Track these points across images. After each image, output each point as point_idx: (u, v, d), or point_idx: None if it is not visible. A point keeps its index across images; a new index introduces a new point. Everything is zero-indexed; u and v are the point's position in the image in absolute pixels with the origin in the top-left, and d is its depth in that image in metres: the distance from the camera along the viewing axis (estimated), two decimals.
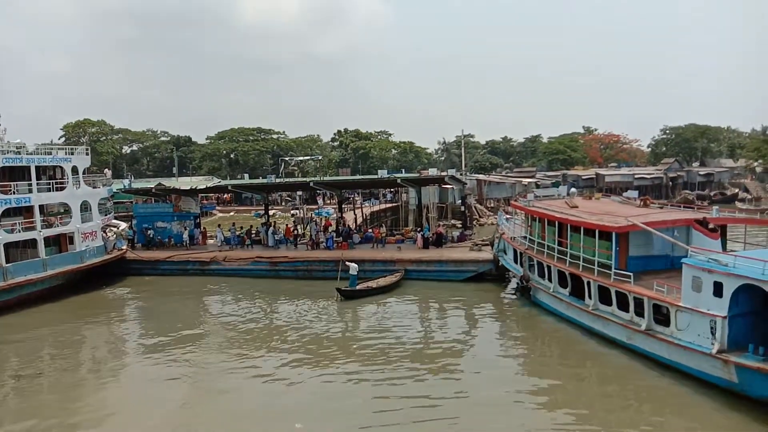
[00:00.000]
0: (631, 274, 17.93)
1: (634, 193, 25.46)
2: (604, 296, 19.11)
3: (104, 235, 33.32)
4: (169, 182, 62.95)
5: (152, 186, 44.82)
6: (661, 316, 16.53)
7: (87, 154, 32.61)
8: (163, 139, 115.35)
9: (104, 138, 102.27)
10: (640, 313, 17.24)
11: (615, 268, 18.62)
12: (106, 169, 50.64)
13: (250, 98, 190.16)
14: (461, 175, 66.59)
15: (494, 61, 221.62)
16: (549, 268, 22.75)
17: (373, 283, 28.02)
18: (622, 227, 18.64)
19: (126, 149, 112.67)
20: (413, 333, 21.63)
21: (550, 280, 22.73)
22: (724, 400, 14.38)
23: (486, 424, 13.92)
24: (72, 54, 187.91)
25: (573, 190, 27.70)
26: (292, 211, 54.73)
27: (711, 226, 17.99)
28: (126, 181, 56.99)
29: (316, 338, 21.10)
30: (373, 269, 30.55)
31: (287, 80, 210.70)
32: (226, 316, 24.87)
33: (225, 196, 69.04)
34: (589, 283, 19.74)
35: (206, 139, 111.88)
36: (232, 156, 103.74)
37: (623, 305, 18.05)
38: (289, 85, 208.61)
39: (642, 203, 23.71)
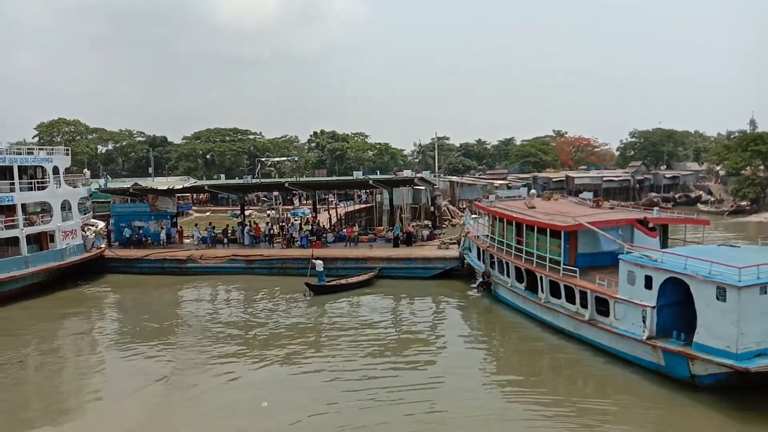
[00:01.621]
0: (577, 269, 19.61)
1: (589, 195, 27.30)
2: (555, 290, 20.76)
3: (83, 233, 34.12)
4: (145, 182, 63.46)
5: (129, 186, 45.55)
6: (603, 307, 18.19)
7: (67, 154, 33.45)
8: (138, 138, 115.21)
9: (79, 137, 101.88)
10: (584, 305, 18.91)
11: (564, 264, 20.29)
12: (86, 169, 51.14)
13: (226, 98, 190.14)
14: (435, 176, 68.43)
15: (470, 62, 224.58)
16: (507, 264, 24.38)
17: (343, 280, 29.40)
18: (570, 226, 20.32)
19: (101, 149, 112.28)
20: (381, 325, 23.04)
21: (508, 275, 24.36)
22: (655, 381, 16.07)
23: (456, 407, 15.16)
24: (42, 51, 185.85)
25: (533, 191, 29.41)
26: (268, 212, 55.79)
27: (651, 225, 19.76)
28: (102, 181, 57.61)
29: (288, 331, 22.32)
30: (346, 267, 31.96)
31: (264, 80, 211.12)
32: (202, 313, 26.00)
33: (201, 196, 69.80)
34: (541, 278, 21.39)
35: (182, 139, 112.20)
36: (208, 156, 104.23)
37: (571, 298, 19.71)
38: (266, 85, 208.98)
39: (595, 204, 25.49)
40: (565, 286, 20.00)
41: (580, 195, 28.48)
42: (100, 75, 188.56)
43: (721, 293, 14.02)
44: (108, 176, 74.64)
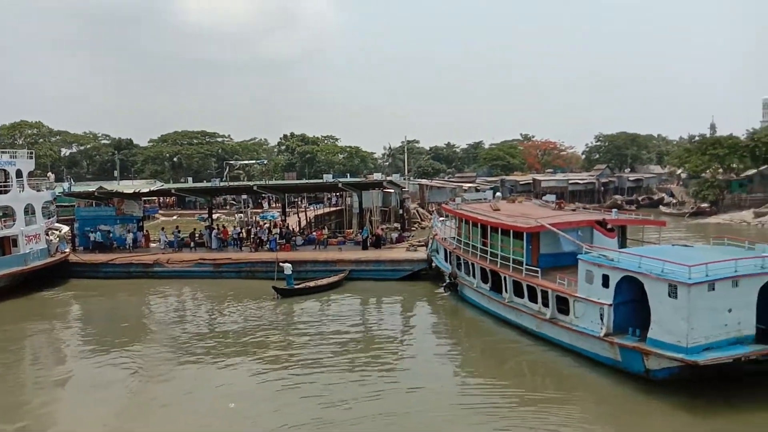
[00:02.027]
0: (539, 269, 20.16)
1: (552, 197, 27.92)
2: (518, 290, 21.27)
3: (47, 238, 33.54)
4: (111, 185, 62.41)
5: (93, 189, 44.86)
6: (564, 306, 18.75)
7: (30, 157, 32.87)
8: (103, 141, 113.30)
9: (42, 140, 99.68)
10: (546, 304, 19.45)
11: (526, 264, 20.82)
12: (50, 173, 50.14)
13: (195, 101, 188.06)
14: (404, 180, 68.91)
15: (440, 66, 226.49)
16: (473, 265, 24.85)
17: (311, 283, 29.53)
18: (532, 228, 20.88)
19: (65, 152, 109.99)
20: (349, 326, 23.25)
21: (474, 276, 24.83)
22: (612, 377, 16.65)
23: (420, 403, 15.50)
24: (1, 51, 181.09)
25: (498, 194, 30.03)
26: (237, 215, 55.50)
27: (609, 226, 20.43)
28: (66, 185, 56.46)
29: (255, 335, 22.31)
30: (315, 269, 32.09)
31: (234, 83, 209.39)
32: (169, 317, 25.84)
33: (168, 199, 69.02)
34: (505, 278, 21.89)
35: (149, 142, 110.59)
36: (175, 159, 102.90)
37: (533, 297, 20.24)
38: (236, 88, 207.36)
39: (557, 206, 26.17)
40: (527, 285, 20.52)
41: (544, 198, 29.14)
42: (64, 77, 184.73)
43: (673, 290, 14.65)
44: (71, 180, 73.19)
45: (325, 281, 30.04)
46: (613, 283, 16.51)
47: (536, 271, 20.18)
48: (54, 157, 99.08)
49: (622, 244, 21.75)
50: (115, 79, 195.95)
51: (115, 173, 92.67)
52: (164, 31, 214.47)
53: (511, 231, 22.02)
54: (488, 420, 14.50)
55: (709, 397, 14.91)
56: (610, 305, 16.56)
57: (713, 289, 14.45)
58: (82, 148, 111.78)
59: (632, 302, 16.28)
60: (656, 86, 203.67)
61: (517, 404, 15.38)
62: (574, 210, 25.86)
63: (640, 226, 23.85)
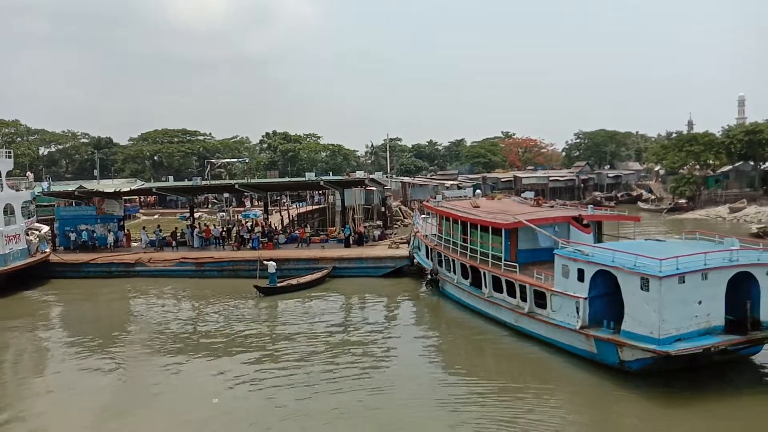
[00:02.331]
0: (517, 264, 20.56)
1: (530, 194, 28.43)
2: (497, 285, 21.67)
3: (27, 237, 33.26)
4: (91, 185, 61.76)
5: (73, 189, 44.47)
6: (541, 300, 19.16)
7: (9, 157, 32.56)
8: (83, 140, 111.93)
9: (19, 139, 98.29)
10: (524, 298, 19.85)
11: (505, 260, 21.22)
12: (29, 172, 49.61)
13: (175, 99, 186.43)
14: (387, 177, 69.17)
15: (421, 63, 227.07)
16: (454, 261, 25.22)
17: (293, 281, 29.68)
18: (510, 224, 21.29)
19: (43, 151, 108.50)
20: (332, 322, 23.50)
21: (454, 272, 25.19)
22: (588, 369, 17.08)
23: (401, 394, 15.91)
24: None
25: (478, 191, 30.44)
26: (219, 214, 55.35)
27: (585, 222, 20.91)
28: (45, 184, 55.85)
29: (238, 334, 22.33)
30: (297, 267, 32.23)
31: (215, 81, 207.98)
32: (151, 316, 25.87)
33: (149, 198, 68.60)
34: (484, 273, 22.28)
35: (128, 140, 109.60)
36: (156, 158, 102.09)
37: (511, 292, 20.65)
38: (217, 86, 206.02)
39: (535, 203, 26.64)
40: (506, 280, 20.92)
41: (523, 194, 29.67)
42: (41, 75, 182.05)
43: (645, 283, 15.11)
44: (50, 179, 72.30)
45: (307, 278, 30.19)
46: (588, 277, 16.95)
47: (514, 267, 20.59)
48: (32, 157, 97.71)
49: (598, 240, 22.24)
50: (94, 77, 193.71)
51: (95, 172, 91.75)
52: (143, 30, 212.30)
53: (490, 227, 22.41)
54: (468, 409, 14.83)
55: (680, 386, 15.42)
56: (586, 299, 17.00)
57: (683, 281, 14.92)
58: (60, 147, 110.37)
59: (607, 295, 16.73)
60: (636, 84, 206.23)
61: (496, 394, 15.75)
62: (552, 206, 26.32)
63: (617, 222, 24.36)
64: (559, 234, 21.11)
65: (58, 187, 57.42)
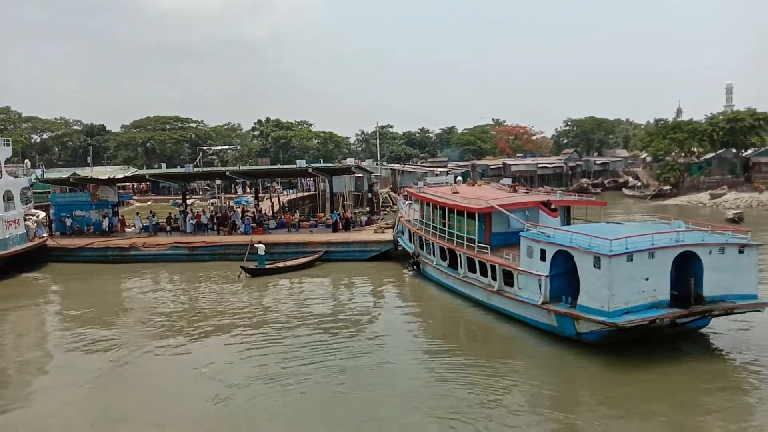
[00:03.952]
0: (488, 246, 22.03)
1: (507, 181, 29.91)
2: (471, 266, 23.13)
3: (26, 223, 34.44)
4: (83, 172, 62.78)
5: (68, 176, 45.55)
6: (509, 279, 20.63)
7: (7, 144, 33.63)
8: (75, 128, 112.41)
9: (12, 126, 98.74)
10: (494, 277, 21.33)
11: (478, 242, 22.67)
12: (27, 160, 50.63)
13: (168, 86, 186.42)
14: (377, 165, 70.37)
15: (417, 52, 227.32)
16: (433, 245, 26.66)
17: (281, 264, 31.07)
18: (484, 209, 22.74)
19: (36, 138, 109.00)
20: (319, 302, 25.03)
21: (434, 254, 26.65)
22: (550, 340, 18.64)
23: (382, 369, 17.30)
24: None
25: (459, 178, 31.82)
26: (211, 200, 56.53)
27: (552, 207, 22.35)
28: (38, 171, 56.87)
29: (227, 314, 23.51)
30: (287, 251, 33.63)
31: (208, 68, 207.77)
32: (145, 297, 27.22)
33: (142, 185, 69.48)
34: (460, 255, 23.74)
35: (121, 128, 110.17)
36: (148, 145, 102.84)
37: (484, 272, 22.12)
38: (210, 73, 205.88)
39: (511, 189, 28.07)
40: (479, 261, 22.39)
41: (501, 181, 31.06)
42: (33, 62, 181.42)
43: (597, 262, 16.58)
44: (44, 166, 73.19)
45: (296, 262, 31.57)
46: (549, 256, 18.42)
47: (486, 248, 22.06)
48: (24, 144, 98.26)
49: (567, 223, 23.70)
50: (86, 64, 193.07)
51: (89, 159, 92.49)
52: (136, 16, 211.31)
53: (465, 212, 23.83)
54: (443, 378, 16.33)
55: (632, 356, 16.94)
56: (547, 276, 18.49)
57: (632, 260, 16.40)
58: (53, 134, 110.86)
59: (566, 273, 18.19)
60: (627, 71, 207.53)
61: (468, 365, 17.21)
62: (526, 192, 27.76)
63: (599, 208, 25.84)
64: (530, 218, 22.51)
65: (52, 174, 58.56)
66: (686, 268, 17.30)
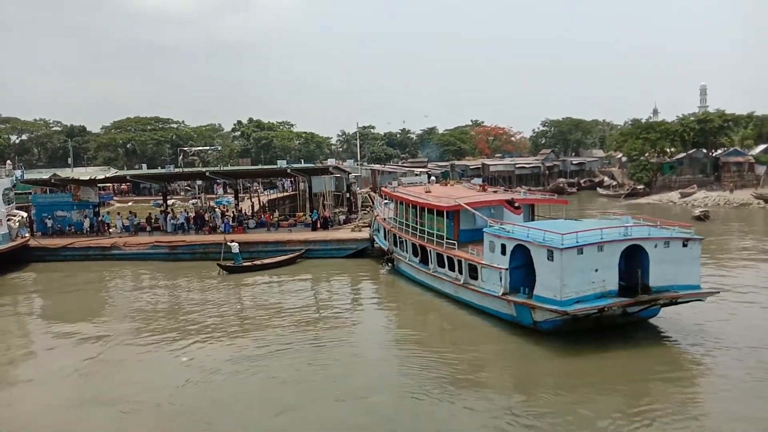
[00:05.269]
0: (456, 242, 23.27)
1: (477, 180, 31.14)
2: (441, 261, 24.34)
3: (8, 223, 34.98)
4: (64, 173, 63.10)
5: (48, 177, 46.05)
6: (474, 272, 21.87)
7: None
8: (55, 128, 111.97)
9: None
10: (461, 271, 22.55)
11: (447, 238, 23.90)
12: (8, 161, 50.98)
13: (149, 86, 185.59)
14: (358, 165, 71.46)
15: (395, 52, 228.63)
16: (406, 242, 27.85)
17: (258, 261, 32.04)
18: (451, 207, 23.99)
19: (14, 139, 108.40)
20: (296, 298, 25.95)
21: (407, 251, 27.84)
22: (511, 330, 19.90)
23: (356, 359, 18.30)
24: None
25: (432, 178, 33.05)
26: (191, 201, 57.21)
27: (516, 205, 23.64)
28: (18, 172, 57.09)
29: (203, 311, 24.13)
30: (266, 250, 34.56)
31: (189, 67, 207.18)
32: (127, 295, 27.96)
33: (123, 186, 69.80)
34: (430, 251, 24.95)
35: (101, 128, 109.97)
36: (128, 146, 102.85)
37: (451, 267, 23.34)
38: (191, 72, 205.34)
39: (481, 188, 29.36)
40: (447, 257, 23.63)
41: (471, 181, 32.36)
42: (9, 62, 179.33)
43: (550, 254, 17.86)
44: (23, 167, 73.10)
45: (274, 259, 32.53)
46: (509, 250, 19.68)
47: (454, 244, 23.28)
48: (3, 144, 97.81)
49: (531, 220, 24.97)
50: (65, 64, 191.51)
51: (69, 160, 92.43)
52: (116, 14, 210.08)
53: (435, 210, 25.05)
54: (415, 363, 17.48)
55: (587, 343, 18.20)
56: (507, 269, 19.74)
57: (582, 252, 17.70)
58: (32, 135, 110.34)
59: (524, 266, 19.42)
60: (606, 72, 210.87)
61: (437, 354, 18.28)
62: (495, 191, 29.04)
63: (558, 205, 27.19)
64: (495, 215, 23.70)
65: (31, 174, 58.77)
66: (634, 260, 18.64)
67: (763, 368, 16.31)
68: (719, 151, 75.20)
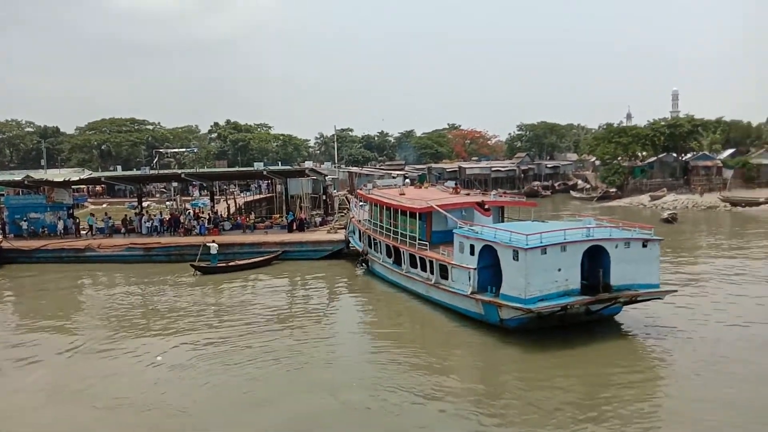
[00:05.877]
0: (428, 243, 23.87)
1: (451, 183, 31.81)
2: (413, 262, 24.91)
3: None
4: (37, 174, 62.42)
5: (21, 178, 45.62)
6: (444, 272, 22.47)
7: None
8: (27, 129, 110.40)
9: None
10: (432, 271, 23.15)
11: (419, 240, 24.49)
12: None
13: (124, 86, 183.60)
14: (335, 167, 71.95)
15: (373, 53, 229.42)
16: (380, 243, 28.38)
17: (233, 263, 32.30)
18: (424, 208, 24.60)
19: None
20: (271, 299, 26.19)
21: (381, 252, 28.37)
22: (479, 327, 20.52)
23: (329, 357, 18.70)
24: None
25: (407, 180, 33.64)
26: (167, 203, 57.10)
27: (486, 207, 24.33)
28: None
29: (180, 312, 24.43)
30: (242, 252, 34.79)
31: (166, 67, 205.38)
32: (99, 296, 28.09)
33: (97, 188, 69.39)
34: (403, 252, 25.51)
35: (75, 129, 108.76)
36: (103, 147, 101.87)
37: (423, 267, 23.93)
38: (168, 73, 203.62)
39: (453, 191, 30.02)
40: (419, 257, 24.21)
41: (445, 184, 33.03)
42: None
43: (515, 254, 18.54)
44: None
45: (250, 261, 32.79)
46: (477, 251, 20.33)
47: (426, 245, 23.89)
48: None
49: (501, 222, 25.70)
50: (39, 63, 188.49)
51: (42, 162, 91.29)
52: (92, 11, 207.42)
53: (408, 212, 25.64)
54: (387, 359, 18.11)
55: (551, 340, 18.90)
56: (475, 269, 20.38)
57: (545, 252, 18.40)
58: (3, 136, 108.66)
59: (491, 266, 20.06)
60: (579, 77, 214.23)
61: (410, 351, 18.88)
62: (467, 194, 29.72)
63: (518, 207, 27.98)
64: (466, 217, 24.36)
65: (3, 176, 58.09)
66: (596, 260, 19.40)
67: (715, 357, 17.45)
68: (689, 155, 77.02)
